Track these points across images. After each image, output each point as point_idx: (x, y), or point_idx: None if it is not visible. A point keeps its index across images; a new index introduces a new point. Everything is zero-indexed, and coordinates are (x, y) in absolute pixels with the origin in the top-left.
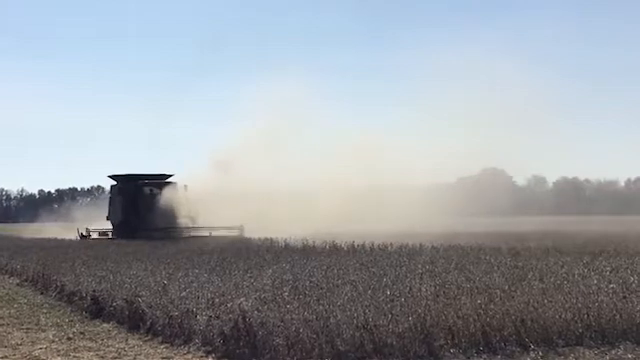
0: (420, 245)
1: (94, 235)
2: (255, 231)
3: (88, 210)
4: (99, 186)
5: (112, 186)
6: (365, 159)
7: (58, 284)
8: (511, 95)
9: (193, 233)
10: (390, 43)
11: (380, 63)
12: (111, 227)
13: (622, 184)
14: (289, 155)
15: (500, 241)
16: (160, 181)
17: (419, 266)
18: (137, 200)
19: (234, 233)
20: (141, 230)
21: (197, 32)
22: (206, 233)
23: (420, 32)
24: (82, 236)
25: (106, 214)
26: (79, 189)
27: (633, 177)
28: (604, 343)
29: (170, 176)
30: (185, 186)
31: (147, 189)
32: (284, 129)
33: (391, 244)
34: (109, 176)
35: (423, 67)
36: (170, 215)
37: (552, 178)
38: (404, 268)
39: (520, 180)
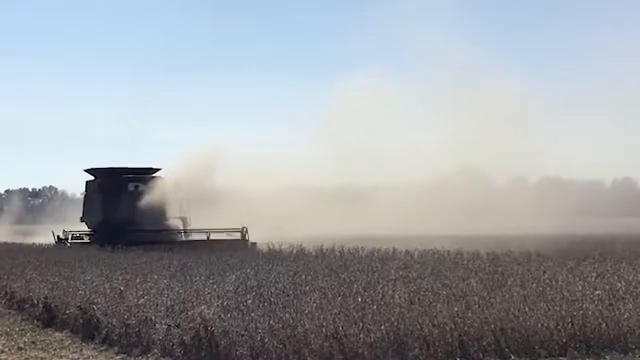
0: (393, 249)
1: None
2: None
3: (47, 211)
4: (51, 186)
5: (88, 182)
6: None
7: (8, 290)
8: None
9: (187, 237)
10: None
11: None
12: (87, 230)
13: (609, 184)
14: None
15: (478, 245)
16: (147, 175)
17: (392, 272)
18: (120, 198)
19: (235, 236)
20: (125, 233)
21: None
22: (203, 237)
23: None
24: (59, 240)
25: (74, 215)
26: (30, 189)
27: (620, 177)
28: (589, 353)
29: (157, 170)
30: (176, 182)
31: (132, 185)
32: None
33: (362, 248)
34: (86, 170)
35: None
36: (160, 215)
37: (534, 178)
38: (376, 274)
39: (500, 180)
